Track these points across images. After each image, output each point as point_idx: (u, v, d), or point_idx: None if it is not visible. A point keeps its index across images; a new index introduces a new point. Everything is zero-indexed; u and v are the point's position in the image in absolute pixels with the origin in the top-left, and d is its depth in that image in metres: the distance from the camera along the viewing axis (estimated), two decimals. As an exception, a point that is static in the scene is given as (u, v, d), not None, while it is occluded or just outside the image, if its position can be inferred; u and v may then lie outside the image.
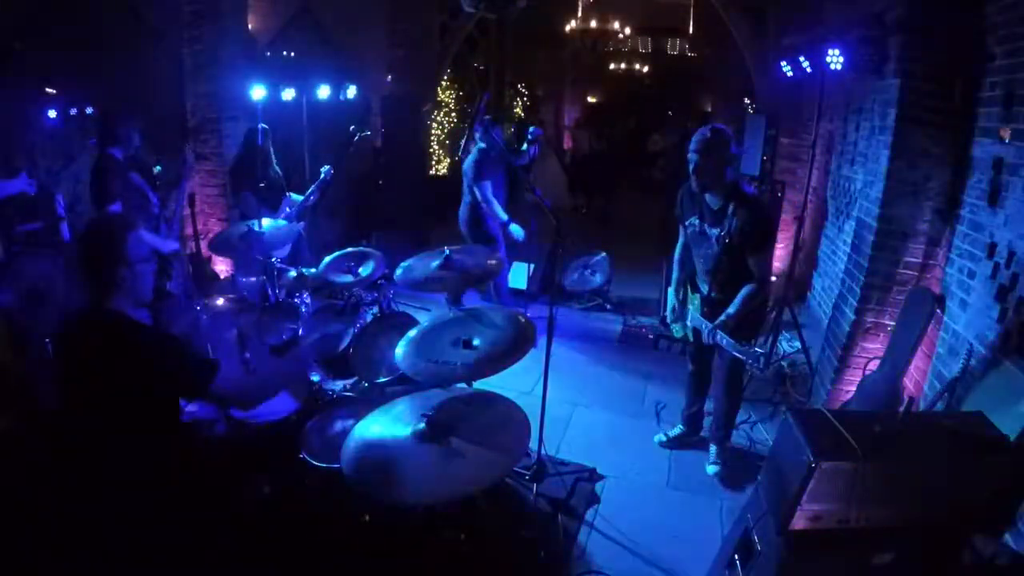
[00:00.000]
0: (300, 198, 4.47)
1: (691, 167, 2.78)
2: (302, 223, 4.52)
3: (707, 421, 3.43)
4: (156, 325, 2.17)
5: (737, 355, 2.74)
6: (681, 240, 3.15)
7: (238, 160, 4.84)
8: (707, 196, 2.83)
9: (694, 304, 3.06)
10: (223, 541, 2.10)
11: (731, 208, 2.76)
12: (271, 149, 4.58)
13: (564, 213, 9.46)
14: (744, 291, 2.79)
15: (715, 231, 2.84)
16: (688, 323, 3.08)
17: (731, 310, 2.79)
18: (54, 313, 3.12)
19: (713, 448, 3.27)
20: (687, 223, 3.01)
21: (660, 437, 3.46)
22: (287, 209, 4.46)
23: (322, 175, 4.36)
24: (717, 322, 2.80)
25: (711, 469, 3.21)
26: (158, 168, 3.90)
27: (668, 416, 3.71)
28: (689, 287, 3.13)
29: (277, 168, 4.63)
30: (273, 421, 2.54)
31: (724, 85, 11.62)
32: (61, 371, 1.88)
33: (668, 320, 3.30)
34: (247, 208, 4.30)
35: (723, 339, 2.77)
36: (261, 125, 4.43)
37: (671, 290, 3.23)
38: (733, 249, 2.79)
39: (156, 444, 1.87)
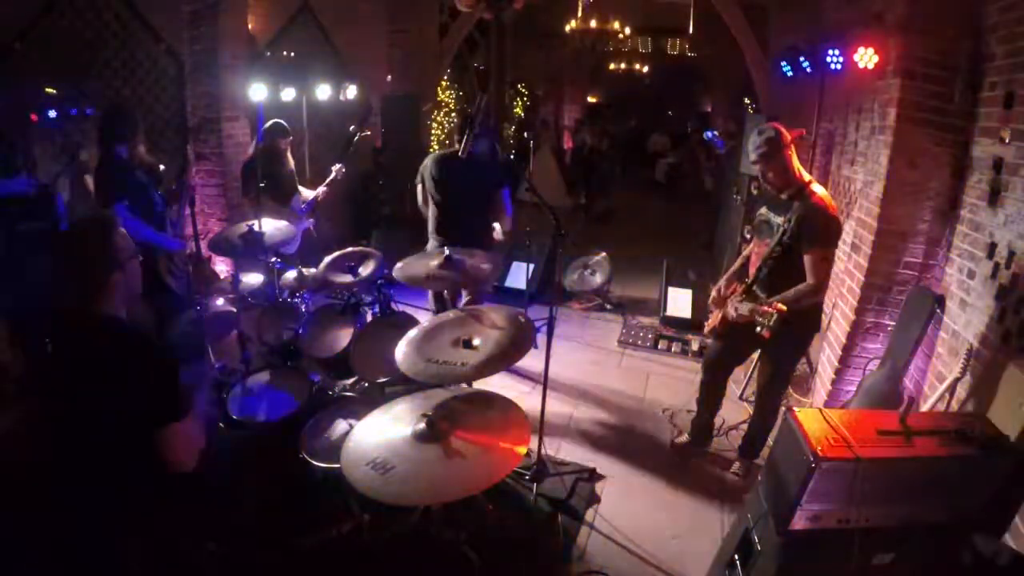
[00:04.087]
0: (310, 194, 4.48)
1: (760, 173, 2.79)
2: (311, 220, 4.51)
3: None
4: (156, 327, 2.15)
5: (755, 318, 2.62)
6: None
7: (250, 161, 4.82)
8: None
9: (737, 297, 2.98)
10: (223, 542, 2.10)
11: (797, 200, 2.73)
12: (284, 146, 4.54)
13: (561, 213, 9.46)
14: (799, 286, 2.69)
15: (778, 219, 2.81)
16: (726, 310, 2.97)
17: (777, 297, 2.68)
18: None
19: (737, 464, 3.22)
20: (757, 214, 2.99)
21: (666, 444, 3.43)
22: (301, 206, 4.45)
23: (333, 173, 4.37)
24: (756, 305, 2.69)
25: (731, 481, 3.15)
26: (162, 167, 3.89)
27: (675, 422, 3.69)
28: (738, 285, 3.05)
29: (291, 166, 4.60)
30: (273, 421, 2.54)
31: (724, 85, 11.64)
32: (60, 374, 1.86)
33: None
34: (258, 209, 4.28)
35: (744, 306, 2.73)
36: (274, 121, 4.40)
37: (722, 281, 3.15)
38: (789, 242, 2.73)
39: (153, 444, 1.87)
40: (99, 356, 1.78)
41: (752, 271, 2.96)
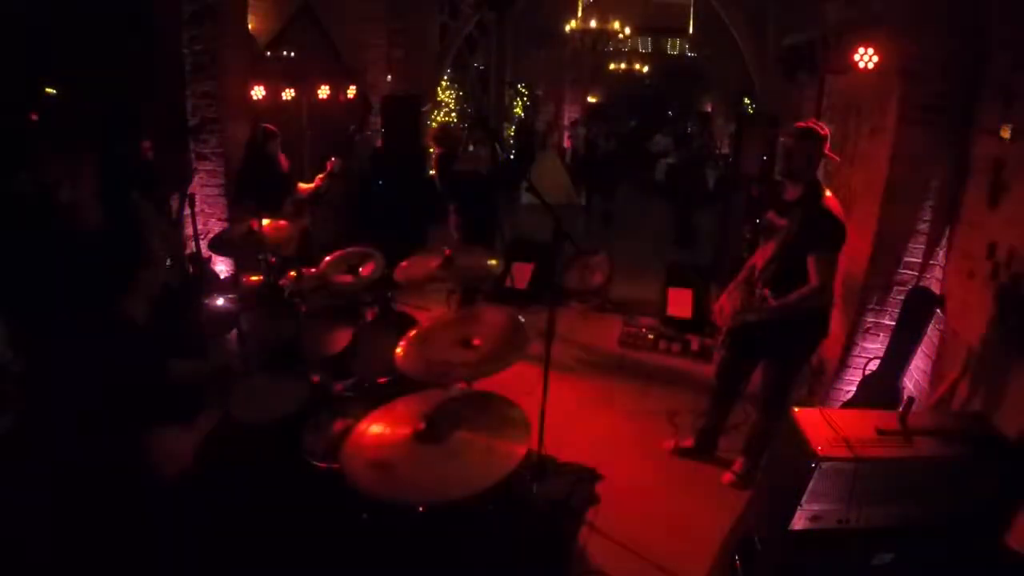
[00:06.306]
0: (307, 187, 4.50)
1: (784, 149, 2.76)
2: (307, 219, 4.53)
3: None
4: (156, 325, 2.15)
5: (747, 317, 2.68)
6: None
7: (242, 164, 4.84)
8: (789, 186, 2.79)
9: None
10: (222, 541, 2.10)
11: (805, 201, 2.70)
12: (277, 148, 4.56)
13: (566, 212, 9.43)
14: (802, 288, 2.67)
15: (784, 222, 2.78)
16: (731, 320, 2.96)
17: (781, 301, 2.68)
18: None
19: (742, 460, 3.16)
20: (764, 217, 2.96)
21: (666, 445, 3.41)
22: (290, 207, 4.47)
23: (329, 167, 4.40)
24: (758, 307, 2.72)
25: (728, 479, 3.13)
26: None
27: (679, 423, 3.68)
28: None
29: (283, 168, 4.62)
30: (273, 421, 2.54)
31: (724, 85, 11.65)
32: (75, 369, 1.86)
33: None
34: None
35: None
36: (262, 126, 4.43)
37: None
38: (794, 245, 2.70)
39: (153, 444, 1.87)
40: (109, 357, 1.79)
41: (757, 272, 2.92)
